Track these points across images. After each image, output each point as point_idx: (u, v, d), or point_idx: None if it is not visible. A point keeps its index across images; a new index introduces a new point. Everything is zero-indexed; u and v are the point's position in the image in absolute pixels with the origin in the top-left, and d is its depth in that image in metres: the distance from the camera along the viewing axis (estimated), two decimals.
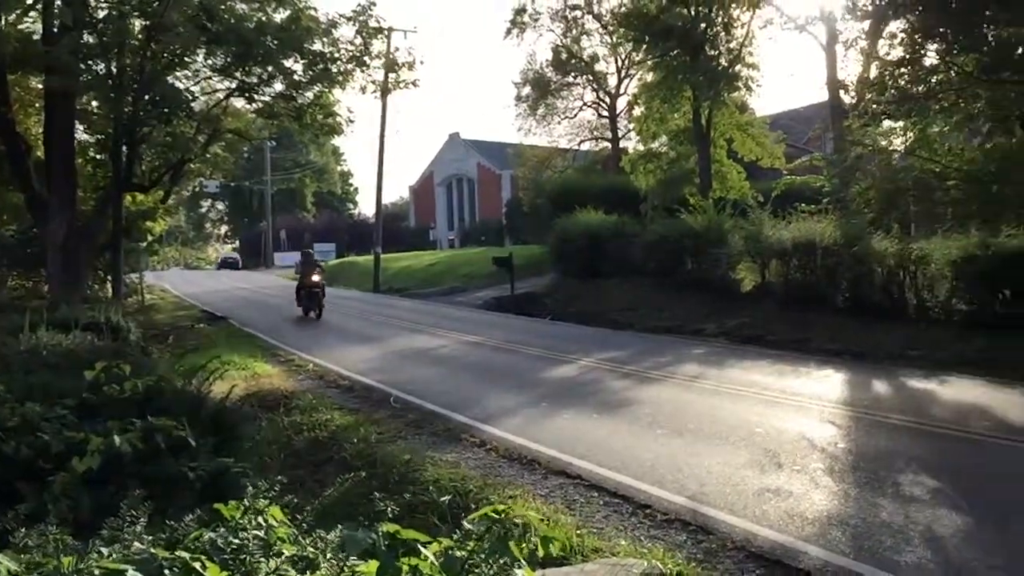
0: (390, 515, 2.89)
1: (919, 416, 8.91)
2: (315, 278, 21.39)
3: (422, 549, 2.44)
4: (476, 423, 9.07)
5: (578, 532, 5.61)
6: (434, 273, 33.24)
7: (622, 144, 40.26)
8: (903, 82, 13.85)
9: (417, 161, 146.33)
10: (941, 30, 12.80)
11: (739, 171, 26.35)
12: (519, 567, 2.55)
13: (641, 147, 30.83)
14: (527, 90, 42.38)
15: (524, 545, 2.80)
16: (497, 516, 2.64)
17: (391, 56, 23.39)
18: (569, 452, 7.69)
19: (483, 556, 2.51)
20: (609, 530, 5.79)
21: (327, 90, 22.21)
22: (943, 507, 5.94)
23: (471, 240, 52.47)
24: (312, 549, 2.60)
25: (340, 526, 2.72)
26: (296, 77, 20.98)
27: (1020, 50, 12.28)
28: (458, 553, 2.53)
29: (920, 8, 12.90)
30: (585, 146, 44.41)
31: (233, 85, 21.32)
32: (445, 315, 21.66)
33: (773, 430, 8.34)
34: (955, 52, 12.86)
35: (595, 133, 43.60)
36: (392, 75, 23.29)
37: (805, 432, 8.25)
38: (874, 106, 14.87)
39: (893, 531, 5.45)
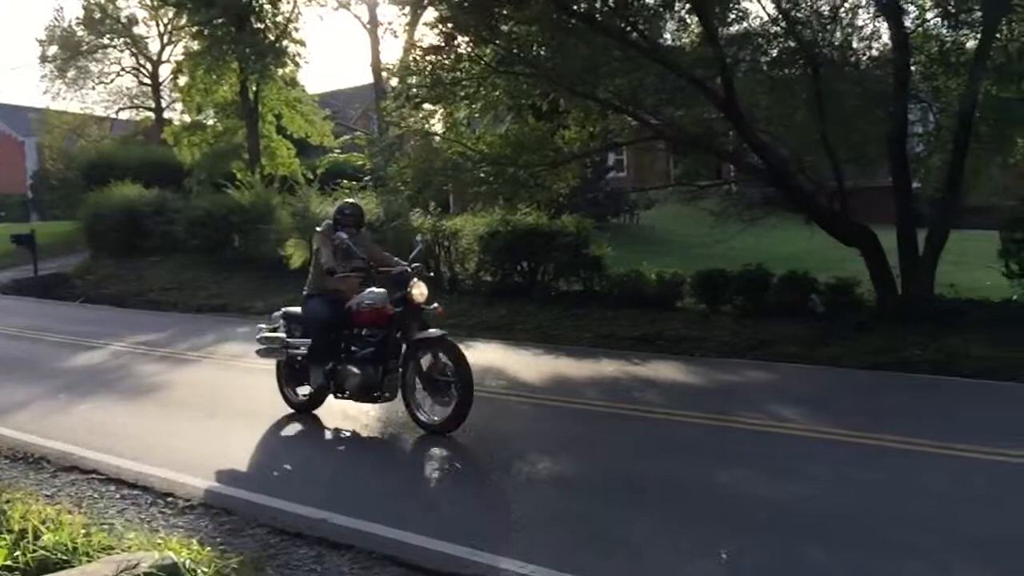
0: None
1: None
2: (422, 290, 7.32)
3: None
4: None
5: (85, 531, 5.09)
6: None
7: (166, 114, 37.96)
8: (437, 69, 14.66)
9: None
10: (468, 23, 13.75)
11: (289, 147, 26.24)
12: None
13: (187, 118, 29.33)
14: (54, 49, 37.99)
15: None
16: None
17: None
18: (85, 445, 6.98)
19: None
20: (123, 524, 5.35)
21: None
22: (461, 463, 6.43)
23: None
24: None
25: None
26: None
27: (534, 48, 13.68)
28: None
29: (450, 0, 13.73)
30: (124, 115, 41.03)
31: None
32: None
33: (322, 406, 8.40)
34: (479, 44, 13.89)
35: (136, 101, 40.54)
36: None
37: (346, 407, 8.40)
38: (413, 90, 15.55)
39: (416, 491, 5.74)
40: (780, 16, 12.71)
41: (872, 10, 12.72)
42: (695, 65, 12.45)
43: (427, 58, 14.29)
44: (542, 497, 5.70)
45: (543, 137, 14.48)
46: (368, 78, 29.93)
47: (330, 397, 7.75)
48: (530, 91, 13.91)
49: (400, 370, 7.23)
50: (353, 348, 7.46)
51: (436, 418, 7.02)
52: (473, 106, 14.31)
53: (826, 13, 12.72)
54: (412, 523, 5.09)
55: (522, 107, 14.51)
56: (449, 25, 13.50)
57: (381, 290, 7.36)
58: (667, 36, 13.85)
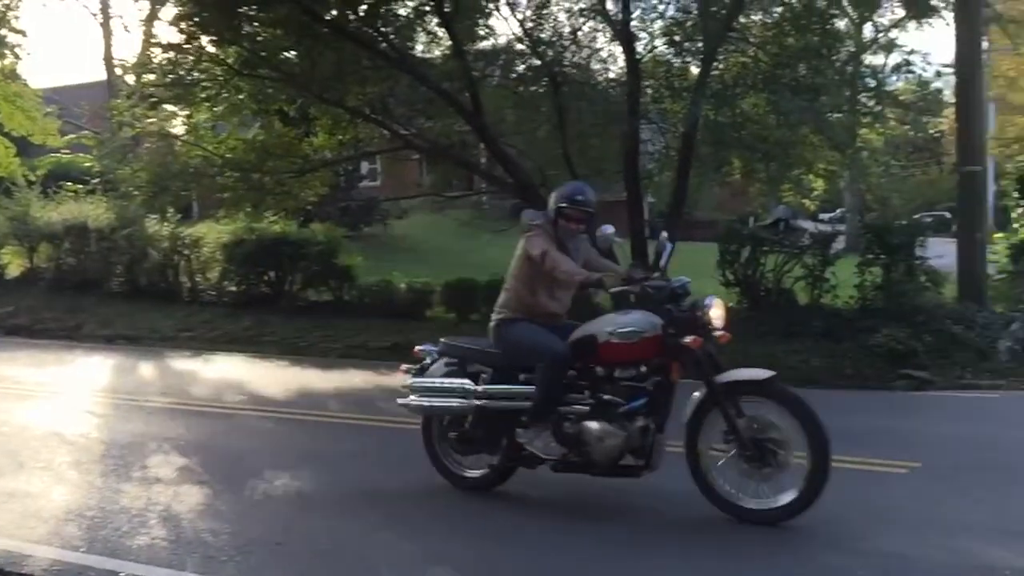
0: None
1: (180, 396, 9.10)
2: (722, 311, 5.24)
3: None
4: None
5: None
6: None
7: None
8: (177, 67, 13.88)
9: None
10: (210, 22, 13.12)
11: (7, 146, 23.78)
12: None
13: None
14: None
15: None
16: None
17: None
18: None
19: None
20: None
21: None
22: (187, 484, 6.01)
23: None
24: None
25: None
26: None
27: (281, 52, 13.25)
28: None
29: None
30: None
31: None
32: None
33: (19, 427, 7.64)
34: (222, 44, 13.30)
35: None
36: None
37: (57, 426, 7.66)
38: (150, 89, 14.64)
39: (131, 516, 5.29)
40: (524, 35, 13.19)
41: (608, 35, 13.49)
42: (444, 77, 12.65)
43: (166, 55, 13.52)
44: (274, 515, 5.47)
45: (290, 144, 14.14)
46: (101, 73, 27.89)
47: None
48: (276, 96, 13.50)
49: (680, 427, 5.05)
50: (605, 396, 5.13)
51: (766, 501, 4.82)
52: (215, 109, 13.70)
53: (567, 35, 13.35)
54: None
55: (268, 112, 14.03)
56: (190, 22, 12.82)
57: (648, 313, 5.19)
58: (418, 47, 13.95)
